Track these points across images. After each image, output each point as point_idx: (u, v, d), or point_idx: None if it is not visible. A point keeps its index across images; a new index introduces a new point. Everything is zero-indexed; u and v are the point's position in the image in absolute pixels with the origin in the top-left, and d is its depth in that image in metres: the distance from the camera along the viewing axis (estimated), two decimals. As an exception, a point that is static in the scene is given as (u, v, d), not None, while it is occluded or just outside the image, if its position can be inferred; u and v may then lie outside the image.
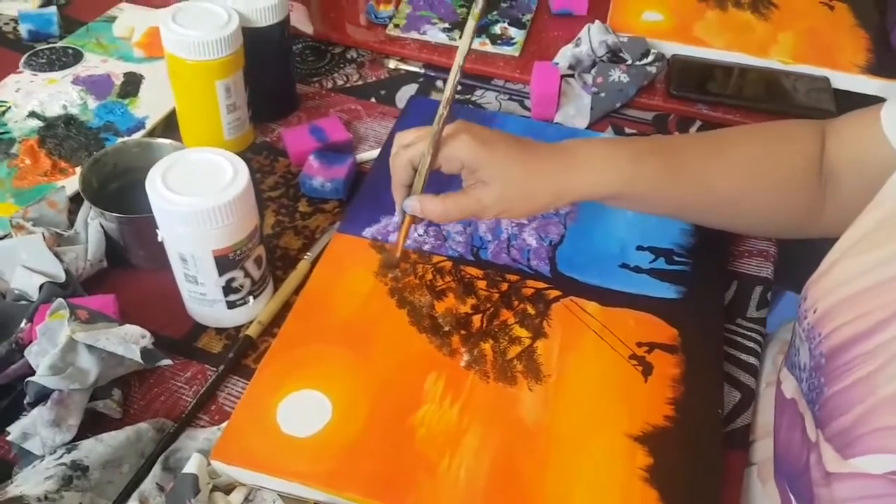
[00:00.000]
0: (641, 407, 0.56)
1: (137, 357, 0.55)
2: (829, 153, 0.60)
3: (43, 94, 0.81)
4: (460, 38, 0.90)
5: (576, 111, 0.82)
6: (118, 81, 0.84)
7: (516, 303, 0.63)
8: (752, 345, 0.63)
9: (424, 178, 0.58)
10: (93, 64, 0.86)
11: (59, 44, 0.88)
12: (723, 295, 0.66)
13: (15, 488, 0.48)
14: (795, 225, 0.63)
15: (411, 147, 0.58)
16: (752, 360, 0.62)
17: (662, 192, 0.59)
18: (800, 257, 0.79)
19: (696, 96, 0.85)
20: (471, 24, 0.53)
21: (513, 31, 0.93)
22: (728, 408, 0.59)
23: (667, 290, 0.64)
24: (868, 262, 0.45)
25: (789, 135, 0.62)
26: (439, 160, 0.57)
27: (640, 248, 0.68)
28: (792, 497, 0.51)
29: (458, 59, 0.55)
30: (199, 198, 0.53)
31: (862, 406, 0.43)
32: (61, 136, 0.75)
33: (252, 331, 0.61)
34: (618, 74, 0.82)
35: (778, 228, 0.66)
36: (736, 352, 0.63)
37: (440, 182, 0.59)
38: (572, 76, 0.85)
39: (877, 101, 0.59)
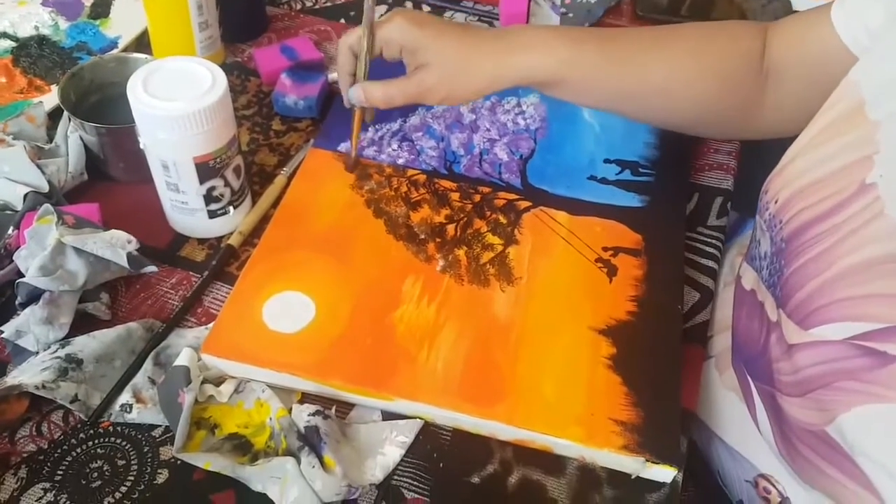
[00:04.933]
0: (606, 304, 0.59)
1: (124, 262, 0.57)
2: (772, 51, 0.62)
3: (13, 15, 0.81)
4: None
5: (544, 31, 0.84)
6: (88, 2, 0.83)
7: (488, 213, 0.66)
8: (711, 250, 0.67)
9: (365, 64, 0.61)
10: (62, -16, 0.85)
11: (26, -36, 0.87)
12: (684, 204, 0.69)
13: (12, 379, 0.50)
14: (735, 122, 0.65)
15: (351, 33, 0.61)
16: (711, 263, 0.66)
17: (600, 78, 0.61)
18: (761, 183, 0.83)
19: (662, 17, 0.87)
20: None
21: (482, -45, 0.94)
22: (688, 307, 0.63)
23: (632, 199, 0.67)
24: (826, 152, 0.48)
25: (730, 31, 0.64)
26: (378, 46, 0.60)
27: (607, 160, 0.71)
28: (750, 378, 0.55)
29: None
30: (180, 102, 0.54)
31: (819, 279, 0.46)
32: (35, 56, 0.76)
33: (234, 240, 0.63)
34: (585, -5, 0.84)
35: (716, 124, 0.68)
36: (696, 257, 0.66)
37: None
38: (541, -3, 0.86)
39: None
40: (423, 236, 0.63)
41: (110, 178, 0.67)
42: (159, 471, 0.50)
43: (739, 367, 0.58)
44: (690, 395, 0.57)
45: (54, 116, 0.68)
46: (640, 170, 0.70)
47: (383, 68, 0.62)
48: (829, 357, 0.46)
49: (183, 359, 0.52)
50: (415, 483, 0.51)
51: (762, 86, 0.63)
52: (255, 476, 0.49)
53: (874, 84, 0.47)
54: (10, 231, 0.57)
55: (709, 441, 0.63)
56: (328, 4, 0.89)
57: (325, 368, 0.53)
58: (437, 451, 0.53)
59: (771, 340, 0.51)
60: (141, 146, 0.58)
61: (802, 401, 0.48)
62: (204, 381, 0.52)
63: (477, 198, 0.67)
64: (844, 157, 0.47)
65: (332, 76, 0.79)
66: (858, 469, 0.45)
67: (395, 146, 0.71)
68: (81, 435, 0.52)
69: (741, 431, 0.58)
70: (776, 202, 0.52)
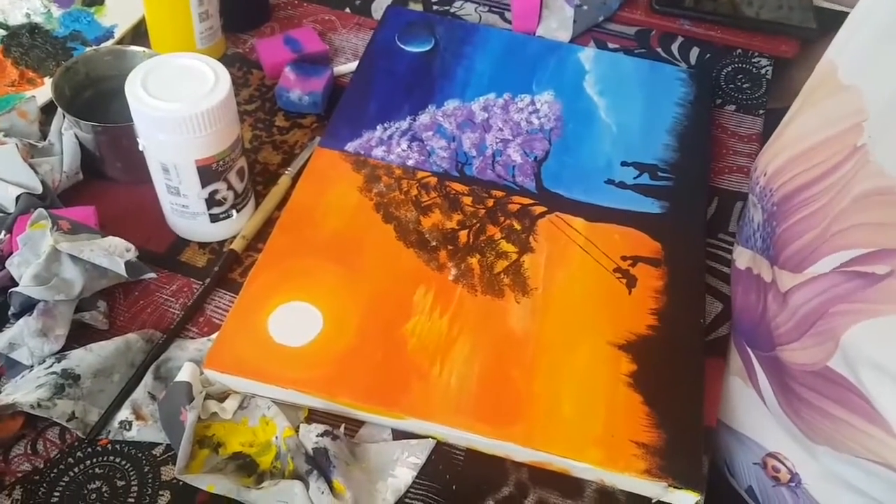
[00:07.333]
0: (625, 317, 0.57)
1: (122, 270, 0.54)
2: None
3: (2, 1, 0.77)
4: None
5: (558, 24, 0.81)
6: (83, -11, 0.80)
7: (502, 218, 0.63)
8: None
9: None
10: (54, -30, 0.82)
11: (18, -52, 0.84)
12: (704, 209, 0.67)
13: (6, 397, 0.47)
14: None
15: None
16: (732, 272, 0.64)
17: None
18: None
19: (678, 11, 0.84)
20: None
21: (492, -57, 0.91)
22: (710, 318, 0.60)
23: (651, 205, 0.65)
24: (813, 123, 0.52)
25: None
26: None
27: (624, 163, 0.68)
28: (750, 350, 0.56)
29: None
30: (181, 103, 0.51)
31: (816, 230, 0.49)
32: (27, 45, 0.72)
33: (237, 245, 0.61)
34: (601, -12, 0.81)
35: None
36: (718, 265, 0.64)
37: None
38: (554, -11, 0.83)
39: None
40: (434, 243, 0.61)
41: (107, 178, 0.64)
42: (161, 492, 0.48)
43: (740, 342, 0.58)
44: (712, 411, 0.55)
45: (47, 111, 0.65)
46: (659, 173, 0.68)
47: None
48: (821, 289, 0.48)
49: (185, 374, 0.49)
50: (428, 508, 0.49)
51: None
52: (262, 500, 0.46)
53: (844, 48, 0.52)
54: (1, 235, 0.55)
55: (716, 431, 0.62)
56: (333, -7, 0.86)
57: (333, 385, 0.51)
58: (449, 472, 0.50)
59: (768, 300, 0.53)
60: (140, 148, 0.55)
61: (802, 342, 0.49)
62: (207, 397, 0.50)
63: (490, 202, 0.64)
64: (835, 126, 0.50)
65: (338, 69, 0.76)
66: (862, 398, 0.46)
67: (404, 146, 0.68)
68: (79, 454, 0.49)
69: (747, 412, 0.59)
70: (765, 175, 0.54)
